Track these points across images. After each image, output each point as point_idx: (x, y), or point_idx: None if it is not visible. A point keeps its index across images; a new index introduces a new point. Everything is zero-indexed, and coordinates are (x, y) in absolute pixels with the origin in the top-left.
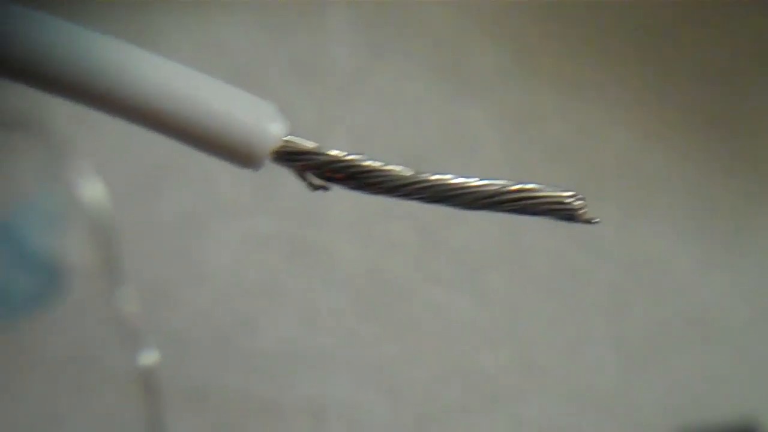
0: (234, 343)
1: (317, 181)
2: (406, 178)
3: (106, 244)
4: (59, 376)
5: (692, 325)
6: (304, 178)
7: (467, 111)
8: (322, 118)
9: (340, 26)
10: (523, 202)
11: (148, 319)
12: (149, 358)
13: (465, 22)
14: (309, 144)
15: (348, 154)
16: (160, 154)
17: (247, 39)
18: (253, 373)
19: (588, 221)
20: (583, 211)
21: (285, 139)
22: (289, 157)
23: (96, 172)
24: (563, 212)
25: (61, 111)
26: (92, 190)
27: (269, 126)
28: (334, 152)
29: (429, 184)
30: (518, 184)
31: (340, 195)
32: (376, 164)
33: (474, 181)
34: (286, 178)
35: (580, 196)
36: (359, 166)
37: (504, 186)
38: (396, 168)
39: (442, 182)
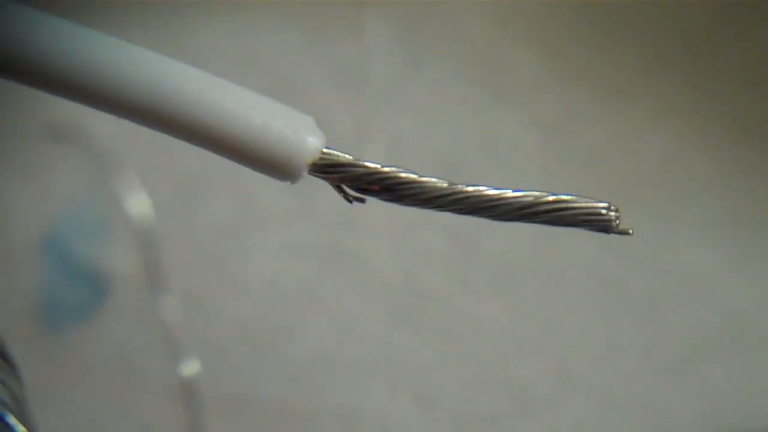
0: (271, 351)
1: (354, 193)
2: (441, 189)
3: (148, 254)
4: (103, 383)
5: (726, 333)
6: (341, 190)
7: (503, 118)
8: (360, 126)
9: (378, 36)
10: (558, 213)
11: (189, 328)
12: (190, 366)
13: (501, 31)
14: (346, 157)
15: (384, 166)
16: (200, 166)
17: (286, 50)
18: (290, 382)
19: (622, 232)
20: (617, 222)
21: (322, 151)
22: (327, 169)
23: (140, 184)
24: (598, 223)
25: (105, 124)
26: (136, 202)
27: (307, 139)
28: (370, 164)
29: (464, 195)
30: (553, 195)
31: (375, 205)
32: (412, 176)
33: (509, 193)
34: (322, 189)
35: (614, 207)
36: (395, 178)
37: (539, 197)
38: (431, 179)
39: (478, 193)
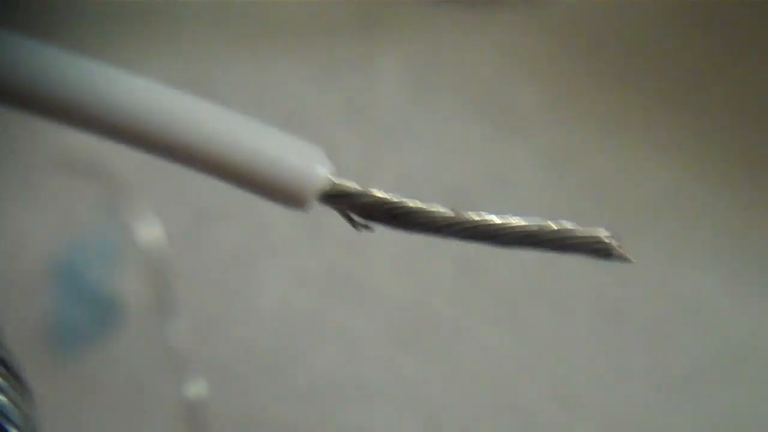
0: (280, 375)
1: (362, 221)
2: (448, 218)
3: (159, 280)
4: (113, 407)
5: (732, 361)
6: (349, 219)
7: (510, 149)
8: (368, 158)
9: (386, 67)
10: (561, 241)
11: (198, 352)
12: (199, 390)
13: (509, 63)
14: (354, 186)
15: (392, 196)
16: (211, 195)
17: (295, 84)
18: (298, 405)
19: (624, 259)
20: (619, 249)
21: (332, 181)
22: (335, 198)
23: (152, 213)
24: (599, 251)
25: (119, 154)
26: (148, 229)
27: (317, 169)
28: (378, 193)
29: (470, 224)
30: (556, 223)
31: (382, 233)
32: (419, 205)
33: (514, 221)
34: (330, 217)
35: (616, 235)
36: (403, 207)
37: (543, 226)
38: (439, 209)
39: (483, 222)
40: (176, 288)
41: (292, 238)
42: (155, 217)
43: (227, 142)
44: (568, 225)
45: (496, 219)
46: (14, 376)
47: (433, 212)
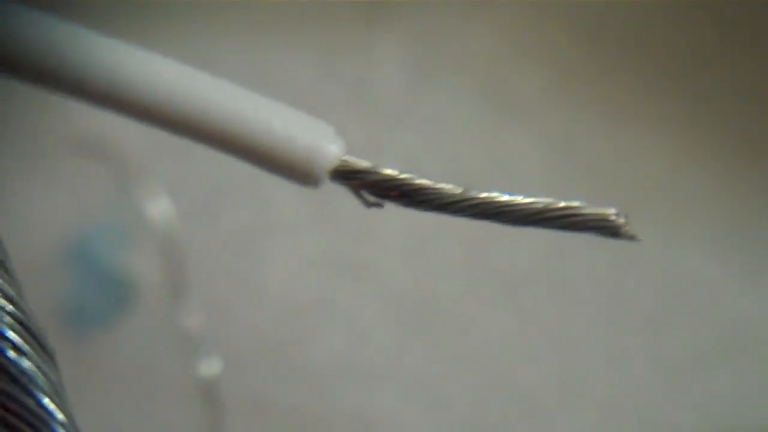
0: (288, 357)
1: (372, 199)
2: (456, 195)
3: (172, 261)
4: (127, 386)
5: (730, 343)
6: (359, 196)
7: (511, 133)
8: (371, 141)
9: (389, 53)
10: (568, 219)
11: (210, 333)
12: (211, 370)
13: (510, 49)
14: (365, 163)
15: (401, 173)
16: (222, 178)
17: (297, 65)
18: (306, 387)
19: (631, 238)
20: (626, 228)
21: (342, 158)
22: (346, 175)
23: (164, 195)
24: (607, 229)
25: (130, 135)
26: (160, 212)
27: (328, 146)
28: (388, 171)
29: (478, 201)
30: (563, 201)
31: (390, 217)
32: (428, 182)
33: (520, 199)
34: (338, 200)
35: (623, 214)
36: (412, 184)
37: (549, 204)
38: (446, 186)
39: (491, 200)
40: (188, 269)
41: (302, 222)
42: (167, 200)
43: (241, 118)
44: (575, 203)
45: (502, 197)
46: (38, 342)
47: (442, 189)
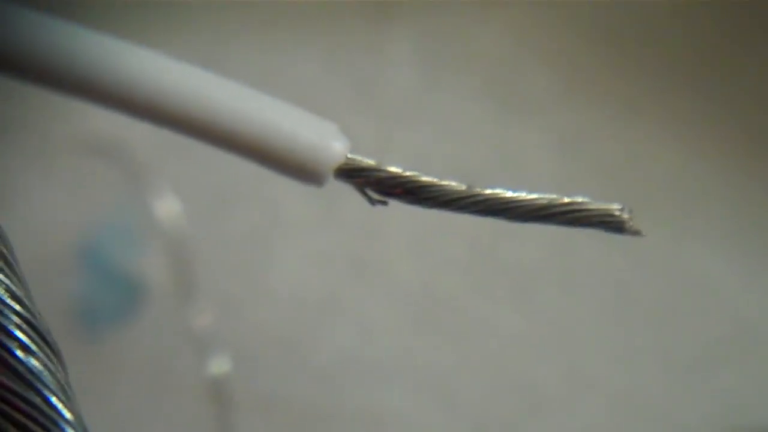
0: (297, 354)
1: (377, 196)
2: (460, 192)
3: (181, 261)
4: (137, 384)
5: (737, 338)
6: (364, 194)
7: (520, 131)
8: (380, 139)
9: (398, 52)
10: (574, 214)
11: (219, 331)
12: (220, 368)
13: (519, 48)
14: (369, 161)
15: (406, 171)
16: (230, 178)
17: (306, 63)
18: (315, 384)
19: (636, 233)
20: (630, 223)
21: (347, 156)
22: (351, 173)
23: (173, 195)
24: (612, 224)
25: (140, 137)
26: (169, 212)
27: (333, 144)
28: (392, 169)
29: (483, 198)
30: (568, 197)
31: (396, 214)
32: (432, 179)
33: (525, 195)
34: (344, 200)
35: (628, 209)
36: (416, 181)
37: (554, 199)
38: (451, 183)
39: (495, 196)
40: (196, 268)
41: (309, 221)
42: (176, 200)
43: (246, 117)
44: (580, 199)
45: (507, 193)
46: (44, 341)
47: (446, 186)
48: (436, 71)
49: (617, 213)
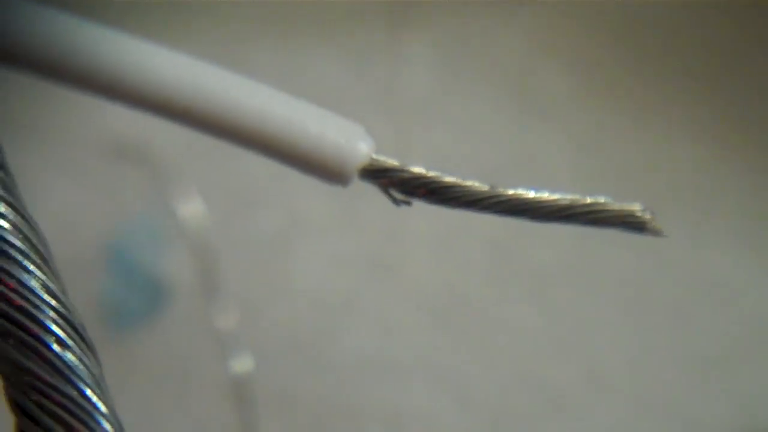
0: (318, 354)
1: (401, 197)
2: (483, 192)
3: (204, 261)
4: (161, 383)
5: (755, 337)
6: (388, 194)
7: (539, 133)
8: (398, 141)
9: (417, 54)
10: (596, 214)
11: (242, 330)
12: (243, 367)
13: (537, 50)
14: (394, 162)
15: (429, 171)
16: (253, 179)
17: (326, 66)
18: (336, 383)
19: (657, 233)
20: (652, 223)
21: (372, 157)
22: (375, 174)
23: (197, 197)
24: (633, 224)
25: (165, 139)
26: (193, 213)
27: (359, 145)
28: (416, 169)
29: (505, 198)
30: (590, 197)
31: (416, 216)
32: (456, 180)
33: (547, 195)
34: (365, 202)
35: (649, 209)
36: (440, 181)
37: (575, 200)
38: (474, 183)
39: (518, 196)
40: (220, 269)
41: (330, 223)
42: (200, 201)
43: (273, 117)
44: (601, 199)
45: (529, 193)
46: (80, 335)
47: (469, 186)
48: (456, 73)
49: (639, 213)
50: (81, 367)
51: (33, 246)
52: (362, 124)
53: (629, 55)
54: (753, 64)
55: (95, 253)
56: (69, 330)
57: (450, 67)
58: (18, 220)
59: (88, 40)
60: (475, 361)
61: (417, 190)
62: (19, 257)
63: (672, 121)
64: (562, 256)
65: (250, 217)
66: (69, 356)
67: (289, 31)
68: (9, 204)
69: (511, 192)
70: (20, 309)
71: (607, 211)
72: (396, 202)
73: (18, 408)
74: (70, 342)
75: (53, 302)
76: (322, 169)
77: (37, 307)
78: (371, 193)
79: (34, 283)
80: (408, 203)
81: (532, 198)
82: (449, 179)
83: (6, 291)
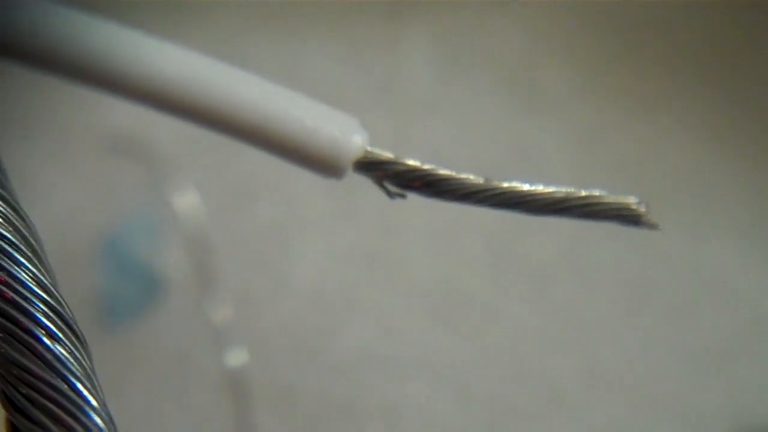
0: (315, 348)
1: (395, 189)
2: (478, 185)
3: (201, 255)
4: (156, 375)
5: (755, 332)
6: (382, 187)
7: (537, 127)
8: (397, 135)
9: (415, 48)
10: (590, 207)
11: (238, 324)
12: (238, 360)
13: (535, 44)
14: (388, 154)
15: (424, 164)
16: (250, 173)
17: (325, 60)
18: (333, 377)
19: (652, 226)
20: (647, 216)
21: (366, 149)
22: (370, 166)
23: (193, 191)
24: (628, 217)
25: (161, 133)
26: (189, 207)
27: (353, 137)
28: (411, 162)
29: (500, 191)
30: (584, 190)
31: (414, 210)
32: (451, 172)
33: (542, 188)
34: (363, 195)
35: (644, 202)
36: (435, 174)
37: (571, 193)
38: (469, 176)
39: (513, 189)
40: (216, 263)
41: (327, 217)
42: (196, 195)
43: (268, 110)
44: (596, 192)
45: (525, 185)
46: (70, 329)
47: (464, 179)
48: (453, 67)
49: (634, 206)
50: (71, 360)
51: (24, 238)
52: (361, 118)
53: (628, 50)
54: (754, 59)
55: (91, 246)
56: (59, 323)
57: (449, 61)
58: (9, 212)
59: (87, 32)
60: (473, 356)
61: (412, 183)
62: (10, 250)
63: (671, 116)
64: (561, 250)
65: (246, 211)
66: (59, 349)
67: (289, 26)
68: (0, 197)
69: (506, 185)
70: (11, 302)
71: (602, 204)
72: (390, 194)
73: (8, 401)
74: (60, 335)
75: (44, 295)
76: (316, 161)
77: (27, 299)
78: (368, 186)
79: (24, 276)
80: (402, 196)
81: (527, 191)
82: (444, 172)
83: None
